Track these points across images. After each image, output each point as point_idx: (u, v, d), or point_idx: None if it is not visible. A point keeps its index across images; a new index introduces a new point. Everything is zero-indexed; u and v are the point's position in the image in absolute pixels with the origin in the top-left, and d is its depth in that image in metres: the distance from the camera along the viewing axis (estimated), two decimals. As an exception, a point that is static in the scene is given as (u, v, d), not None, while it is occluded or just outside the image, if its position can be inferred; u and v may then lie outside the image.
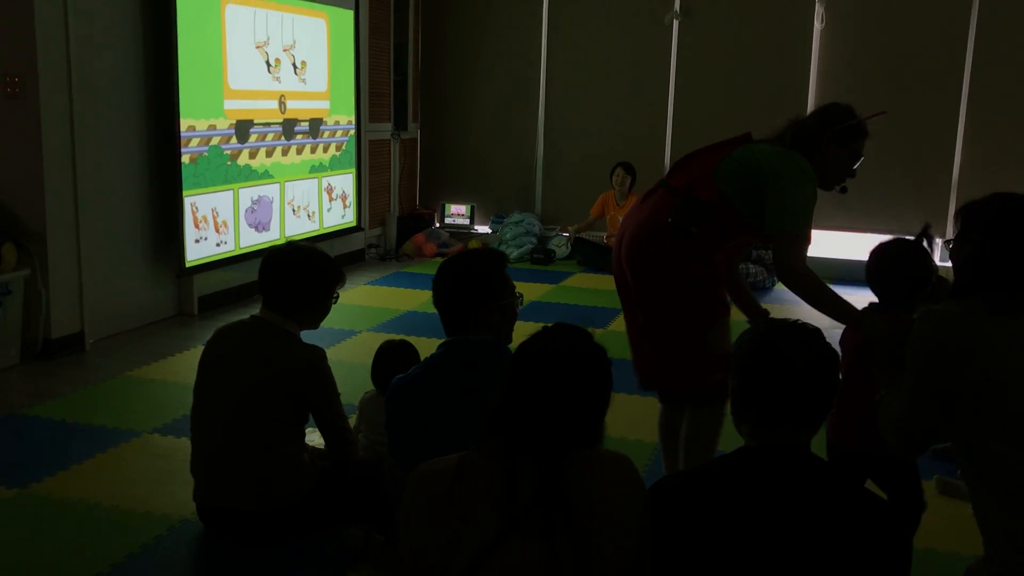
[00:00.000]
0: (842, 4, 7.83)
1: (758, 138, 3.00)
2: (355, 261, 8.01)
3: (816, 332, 1.78)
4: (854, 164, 2.89)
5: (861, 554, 1.63)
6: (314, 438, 3.25)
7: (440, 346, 2.38)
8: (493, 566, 1.59)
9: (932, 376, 2.05)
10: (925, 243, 2.62)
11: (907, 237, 2.68)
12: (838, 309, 2.71)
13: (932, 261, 2.66)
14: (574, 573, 1.57)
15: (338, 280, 2.98)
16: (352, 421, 3.26)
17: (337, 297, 2.99)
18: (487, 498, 1.64)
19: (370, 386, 3.44)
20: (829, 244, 8.66)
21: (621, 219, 3.08)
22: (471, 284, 2.35)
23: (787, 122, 2.97)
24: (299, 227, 6.95)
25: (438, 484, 1.69)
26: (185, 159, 5.65)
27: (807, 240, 2.82)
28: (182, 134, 5.61)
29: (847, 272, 7.86)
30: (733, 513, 1.67)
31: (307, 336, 2.97)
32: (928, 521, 2.65)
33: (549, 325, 1.80)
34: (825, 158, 2.84)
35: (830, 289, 2.76)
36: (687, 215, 2.76)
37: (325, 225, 7.37)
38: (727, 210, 2.80)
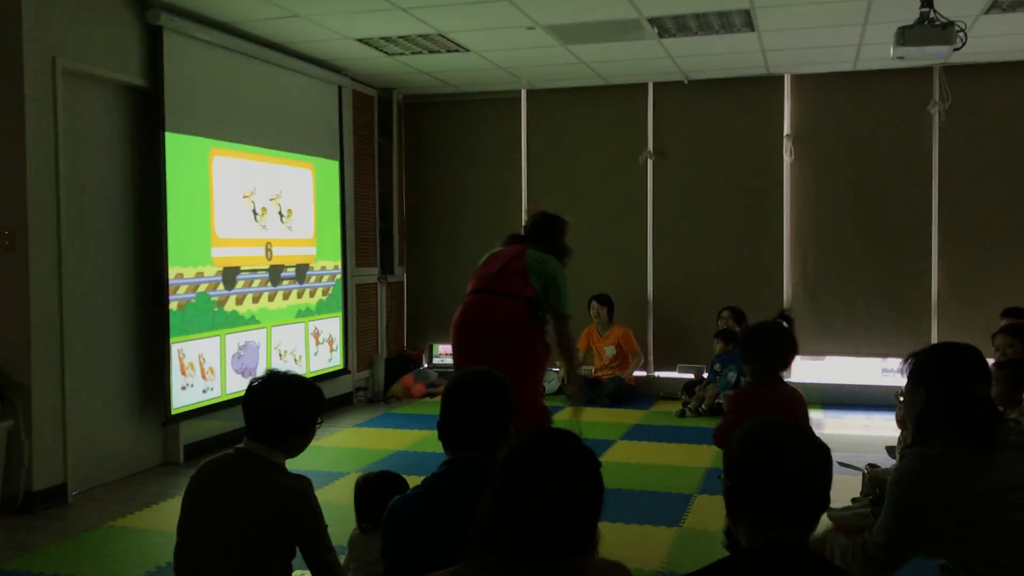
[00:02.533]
0: (810, 138, 8.15)
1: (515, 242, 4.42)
2: (343, 404, 7.95)
3: (806, 428, 1.78)
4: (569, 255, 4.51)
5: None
6: (303, 579, 3.14)
7: (442, 464, 2.35)
8: None
9: (919, 518, 2.20)
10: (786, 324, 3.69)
11: (776, 321, 3.79)
12: (575, 363, 4.55)
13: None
14: None
15: (322, 404, 2.96)
16: (341, 560, 3.16)
17: (322, 421, 2.96)
18: (483, 612, 1.59)
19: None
20: (817, 370, 8.70)
21: (465, 320, 4.19)
22: (503, 401, 2.40)
23: (531, 226, 4.50)
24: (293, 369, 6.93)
25: (430, 603, 1.64)
26: (173, 306, 5.70)
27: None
28: (170, 281, 5.68)
29: (835, 396, 7.88)
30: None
31: (294, 470, 2.91)
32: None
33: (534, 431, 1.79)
34: (563, 251, 4.43)
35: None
36: (537, 309, 4.12)
37: (312, 368, 7.35)
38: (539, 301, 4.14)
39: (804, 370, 8.44)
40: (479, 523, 1.69)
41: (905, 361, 2.47)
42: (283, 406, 2.85)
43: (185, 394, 5.84)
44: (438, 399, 9.42)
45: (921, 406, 2.35)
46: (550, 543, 1.63)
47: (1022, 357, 4.78)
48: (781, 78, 8.12)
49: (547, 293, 4.16)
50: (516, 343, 4.04)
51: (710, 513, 4.66)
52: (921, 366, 2.42)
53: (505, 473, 1.71)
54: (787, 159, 8.16)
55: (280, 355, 6.91)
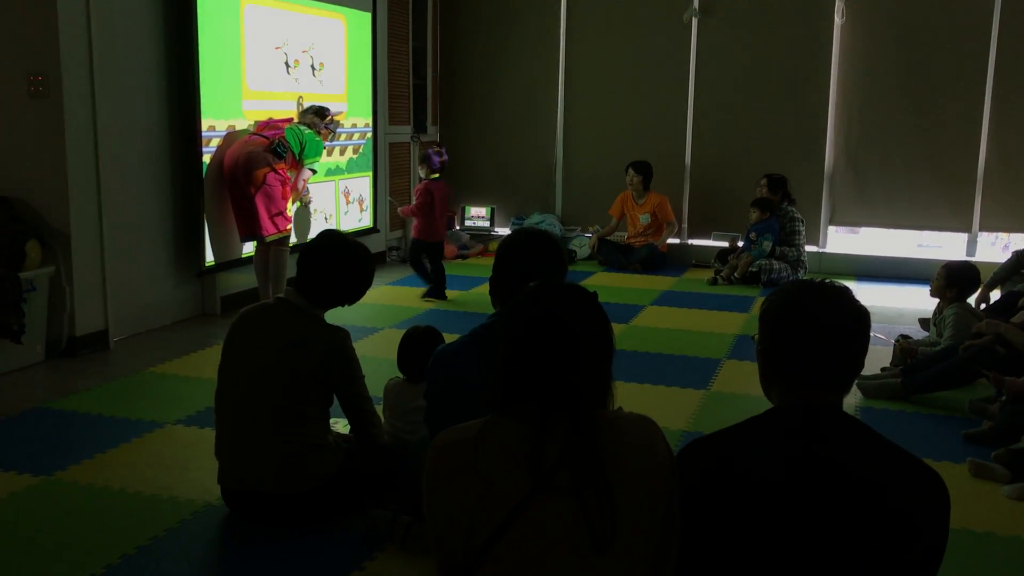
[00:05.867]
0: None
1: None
2: (376, 263, 7.99)
3: (845, 289, 1.74)
4: (330, 132, 6.34)
5: (900, 516, 1.57)
6: (338, 428, 3.24)
7: (491, 316, 2.42)
8: (523, 525, 1.57)
9: None
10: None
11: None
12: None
13: None
14: (603, 529, 1.54)
15: (372, 280, 2.99)
16: (377, 410, 3.25)
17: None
18: (513, 460, 1.62)
19: (393, 375, 3.43)
20: (852, 241, 8.60)
21: (232, 152, 5.75)
22: (556, 258, 2.41)
23: (309, 109, 6.24)
24: (315, 230, 6.95)
25: (461, 452, 1.66)
26: (206, 159, 5.68)
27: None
28: (202, 134, 5.64)
29: (869, 268, 7.82)
30: (765, 475, 1.63)
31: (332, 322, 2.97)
32: (963, 502, 2.61)
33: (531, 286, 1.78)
34: (319, 131, 6.11)
35: None
36: (281, 148, 5.79)
37: (342, 228, 7.37)
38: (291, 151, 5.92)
39: (839, 241, 8.35)
40: (498, 376, 1.70)
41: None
42: (344, 277, 2.89)
43: (220, 247, 5.89)
44: (470, 260, 9.49)
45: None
46: (582, 386, 1.65)
47: None
48: (837, -67, 7.70)
49: (300, 151, 6.00)
50: (257, 171, 5.70)
51: (739, 377, 4.70)
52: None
53: (523, 326, 1.70)
54: (838, 21, 7.82)
55: (310, 213, 6.91)
